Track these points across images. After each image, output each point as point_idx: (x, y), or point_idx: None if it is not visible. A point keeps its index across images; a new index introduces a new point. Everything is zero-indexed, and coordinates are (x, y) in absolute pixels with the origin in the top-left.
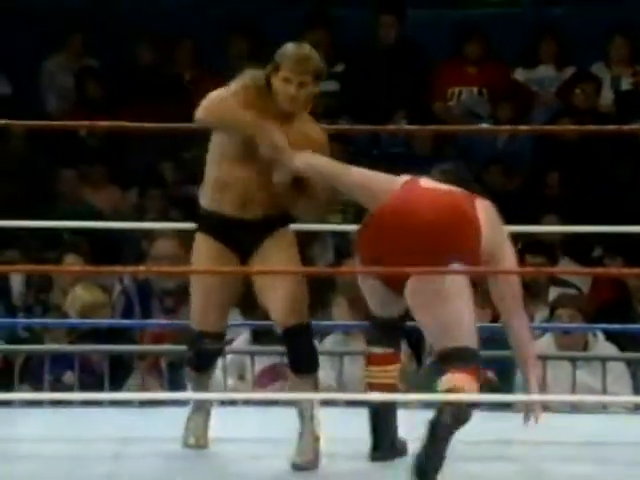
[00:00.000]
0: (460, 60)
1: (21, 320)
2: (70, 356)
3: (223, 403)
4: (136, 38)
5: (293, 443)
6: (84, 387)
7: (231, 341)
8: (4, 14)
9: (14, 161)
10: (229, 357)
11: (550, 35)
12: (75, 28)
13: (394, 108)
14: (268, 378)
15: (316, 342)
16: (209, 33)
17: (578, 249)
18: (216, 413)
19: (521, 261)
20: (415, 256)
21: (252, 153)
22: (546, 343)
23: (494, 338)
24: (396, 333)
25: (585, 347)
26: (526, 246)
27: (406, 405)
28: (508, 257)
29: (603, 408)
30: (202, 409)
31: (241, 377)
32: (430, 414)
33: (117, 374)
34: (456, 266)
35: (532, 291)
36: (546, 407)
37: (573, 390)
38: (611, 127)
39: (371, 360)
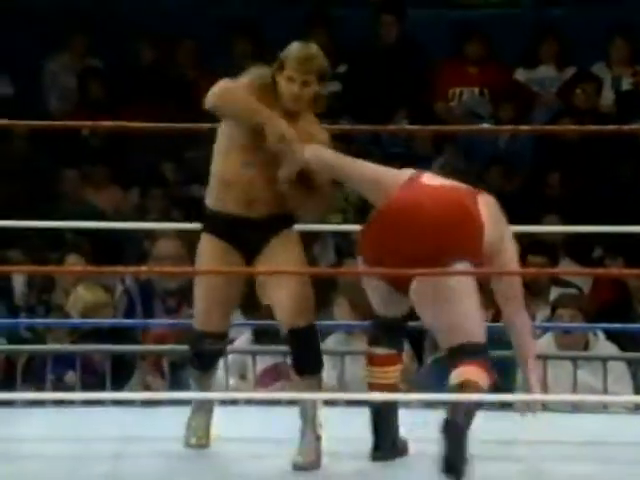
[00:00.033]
0: (461, 60)
1: (23, 320)
2: (72, 356)
3: (224, 403)
4: (138, 38)
5: (295, 443)
6: (86, 387)
7: (232, 341)
8: (6, 14)
9: (16, 161)
10: (230, 357)
11: (551, 35)
12: (77, 28)
13: (395, 108)
14: (270, 378)
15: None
16: (210, 33)
17: (579, 249)
18: (217, 413)
19: (522, 261)
20: (419, 255)
21: (257, 151)
22: (547, 343)
23: (494, 338)
24: (399, 333)
25: (586, 347)
26: (527, 246)
27: (407, 405)
28: (510, 251)
29: (604, 408)
30: (204, 408)
31: (242, 377)
32: (430, 414)
33: (119, 374)
34: (461, 265)
35: (533, 291)
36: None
37: (574, 390)
38: (611, 127)
39: (373, 361)
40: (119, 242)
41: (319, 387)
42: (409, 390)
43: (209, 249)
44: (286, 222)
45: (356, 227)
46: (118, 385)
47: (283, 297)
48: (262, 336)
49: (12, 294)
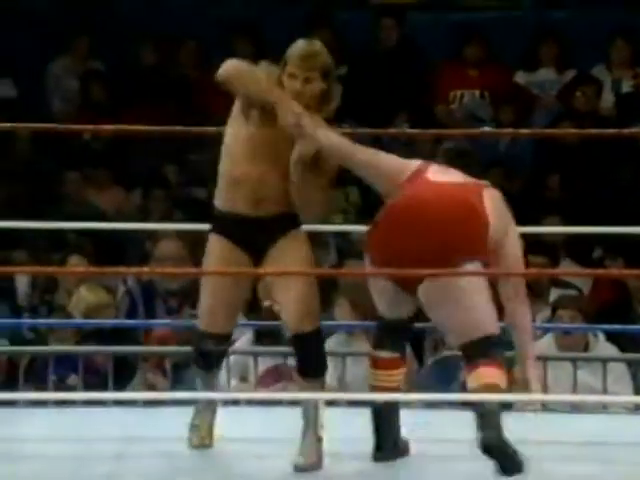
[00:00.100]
0: (461, 63)
1: (25, 321)
2: (74, 357)
3: (226, 403)
4: (139, 40)
5: (296, 443)
6: (88, 387)
7: (234, 342)
8: (9, 17)
9: (20, 163)
10: (232, 358)
11: (551, 38)
12: (79, 31)
13: (396, 111)
14: (271, 378)
15: None
16: (211, 34)
17: (579, 250)
18: (219, 413)
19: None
20: (427, 256)
21: (265, 147)
22: (547, 344)
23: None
24: (403, 336)
25: (586, 348)
26: (528, 246)
27: (408, 405)
28: (514, 245)
29: (604, 408)
30: (208, 409)
31: (243, 379)
32: (432, 414)
33: (121, 375)
34: (472, 265)
35: (534, 292)
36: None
37: (574, 390)
38: (611, 130)
39: (377, 364)
40: (121, 243)
41: (322, 389)
42: (410, 391)
43: (217, 250)
44: (294, 222)
45: (357, 227)
46: (120, 386)
47: (290, 299)
48: (263, 337)
49: (15, 295)
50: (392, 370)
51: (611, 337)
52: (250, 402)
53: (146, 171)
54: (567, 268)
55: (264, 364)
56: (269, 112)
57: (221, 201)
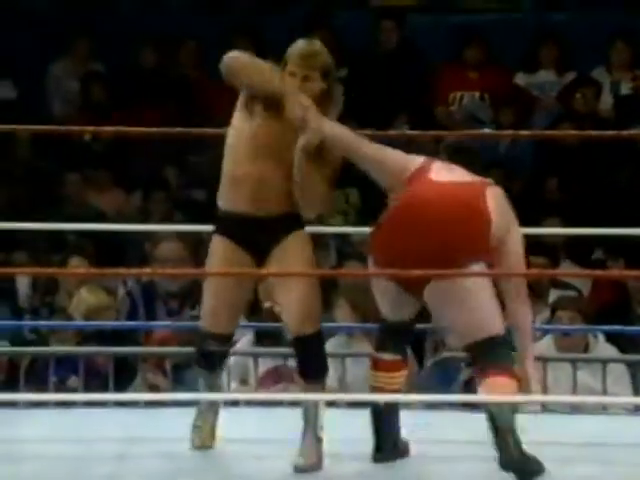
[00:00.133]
0: (461, 65)
1: (26, 322)
2: (75, 358)
3: (226, 404)
4: (139, 41)
5: (296, 444)
6: (89, 389)
7: (235, 343)
8: (9, 19)
9: (20, 165)
10: (232, 360)
11: (551, 40)
12: (80, 32)
13: (395, 113)
14: (271, 380)
15: None
16: (211, 36)
17: (579, 252)
18: (220, 414)
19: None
20: (431, 257)
21: (267, 145)
22: (547, 345)
23: None
24: (405, 338)
25: (586, 349)
26: (528, 247)
27: (408, 406)
28: (515, 243)
29: (603, 409)
30: (210, 410)
31: (243, 381)
32: (432, 415)
33: (122, 376)
34: (477, 266)
35: (535, 292)
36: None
37: (574, 391)
38: (610, 132)
39: (379, 366)
40: (121, 244)
41: (322, 391)
42: (410, 392)
43: (220, 250)
44: (297, 223)
45: (357, 229)
46: (121, 387)
47: (291, 300)
48: (264, 338)
49: (16, 296)
50: (394, 372)
51: (611, 338)
52: (250, 403)
53: (146, 173)
54: (567, 269)
55: (264, 365)
56: (272, 105)
57: (223, 201)
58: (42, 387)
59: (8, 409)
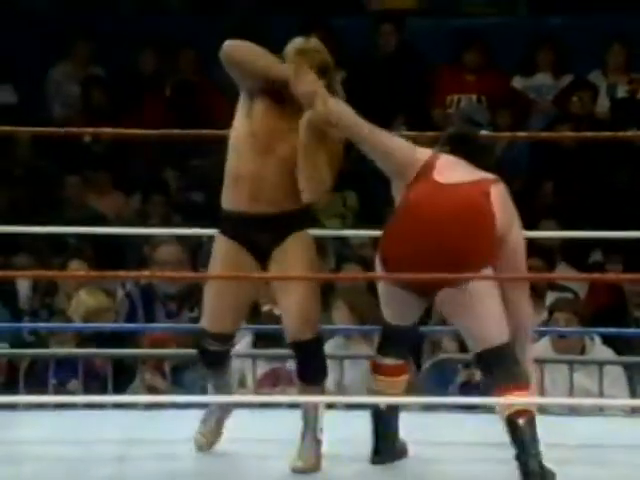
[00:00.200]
0: (459, 68)
1: (25, 324)
2: (74, 360)
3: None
4: (139, 44)
5: (296, 445)
6: (88, 391)
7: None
8: (9, 23)
9: (20, 167)
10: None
11: (548, 44)
12: (80, 37)
13: (394, 115)
14: (269, 382)
15: None
16: (212, 37)
17: (576, 254)
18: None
19: None
20: (440, 263)
21: (268, 140)
22: (543, 347)
23: None
24: (407, 343)
25: (582, 351)
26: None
27: (406, 408)
28: (517, 238)
29: (600, 411)
30: (218, 410)
31: (242, 384)
32: (429, 417)
33: (121, 378)
34: (487, 271)
35: (536, 293)
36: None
37: (570, 393)
38: (607, 133)
39: (380, 370)
40: (120, 247)
41: (322, 394)
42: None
43: (222, 251)
44: (298, 223)
45: (355, 232)
46: (120, 389)
47: (291, 303)
48: (262, 341)
49: (17, 298)
50: (395, 377)
51: (607, 340)
52: (249, 405)
53: (146, 175)
54: (563, 272)
55: (262, 368)
56: (274, 93)
57: (225, 200)
58: (41, 389)
59: (8, 411)
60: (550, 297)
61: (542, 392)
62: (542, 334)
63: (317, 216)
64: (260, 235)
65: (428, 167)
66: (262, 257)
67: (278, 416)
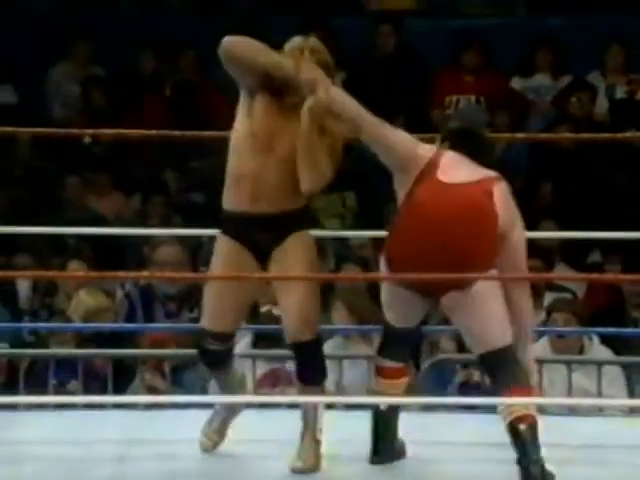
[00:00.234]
0: (458, 69)
1: (25, 325)
2: (74, 360)
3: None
4: (139, 44)
5: (295, 445)
6: (88, 391)
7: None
8: (9, 23)
9: (20, 168)
10: None
11: (546, 44)
12: (80, 37)
13: (393, 116)
14: (269, 382)
15: None
16: (212, 37)
17: (574, 255)
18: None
19: None
20: (445, 265)
21: (265, 143)
22: (542, 347)
23: None
24: (408, 346)
25: (581, 351)
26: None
27: (405, 408)
28: (519, 235)
29: (599, 411)
30: (223, 411)
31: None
32: (428, 417)
33: (121, 378)
34: (492, 273)
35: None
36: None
37: (569, 393)
38: (605, 135)
39: (381, 373)
40: (120, 247)
41: (322, 394)
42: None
43: (224, 250)
44: (299, 223)
45: (354, 232)
46: (120, 389)
47: (290, 304)
48: (262, 341)
49: (17, 298)
50: (395, 380)
51: (605, 340)
52: (249, 405)
53: (146, 176)
54: (562, 272)
55: (262, 368)
56: (275, 90)
57: (227, 201)
58: (41, 389)
59: (8, 411)
60: (548, 297)
61: (541, 392)
62: (540, 334)
63: (317, 216)
64: (260, 235)
65: (432, 165)
66: (263, 257)
67: (278, 416)
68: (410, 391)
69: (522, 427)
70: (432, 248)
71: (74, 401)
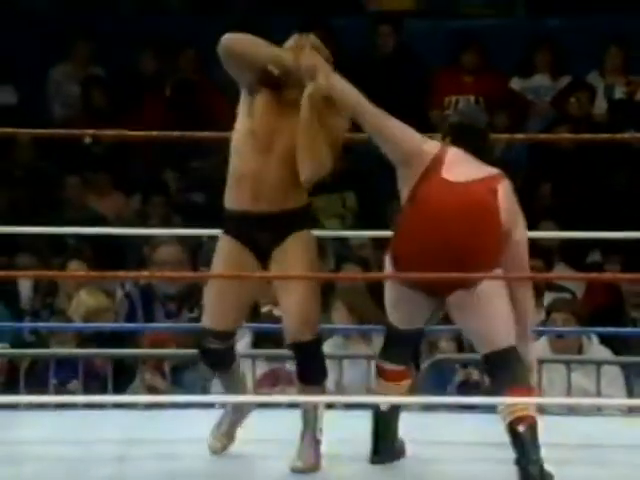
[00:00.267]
0: (457, 69)
1: (25, 324)
2: (75, 360)
3: (225, 406)
4: (139, 43)
5: (295, 445)
6: (88, 391)
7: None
8: (9, 23)
9: (20, 168)
10: None
11: (546, 45)
12: (80, 37)
13: (392, 115)
14: (269, 382)
15: None
16: (212, 37)
17: (573, 254)
18: (218, 415)
19: None
20: (452, 264)
21: (264, 142)
22: (541, 347)
23: None
24: (411, 348)
25: (580, 351)
26: None
27: (404, 407)
28: (521, 236)
29: (598, 410)
30: (232, 413)
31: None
32: (428, 417)
33: (121, 378)
34: (498, 272)
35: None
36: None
37: (568, 393)
38: (604, 135)
39: (384, 375)
40: (120, 247)
41: (322, 394)
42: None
43: (225, 250)
44: (299, 222)
45: (354, 232)
46: (120, 389)
47: (290, 304)
48: (262, 341)
49: (18, 298)
50: (397, 382)
51: (605, 340)
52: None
53: (146, 176)
54: (561, 272)
55: (262, 368)
56: (275, 84)
57: (229, 200)
58: (42, 389)
59: (8, 411)
60: (548, 297)
61: (540, 392)
62: (540, 334)
63: (317, 216)
64: (261, 234)
65: (437, 162)
66: (263, 257)
67: (278, 416)
68: (410, 391)
69: (521, 428)
70: (438, 247)
71: (74, 401)
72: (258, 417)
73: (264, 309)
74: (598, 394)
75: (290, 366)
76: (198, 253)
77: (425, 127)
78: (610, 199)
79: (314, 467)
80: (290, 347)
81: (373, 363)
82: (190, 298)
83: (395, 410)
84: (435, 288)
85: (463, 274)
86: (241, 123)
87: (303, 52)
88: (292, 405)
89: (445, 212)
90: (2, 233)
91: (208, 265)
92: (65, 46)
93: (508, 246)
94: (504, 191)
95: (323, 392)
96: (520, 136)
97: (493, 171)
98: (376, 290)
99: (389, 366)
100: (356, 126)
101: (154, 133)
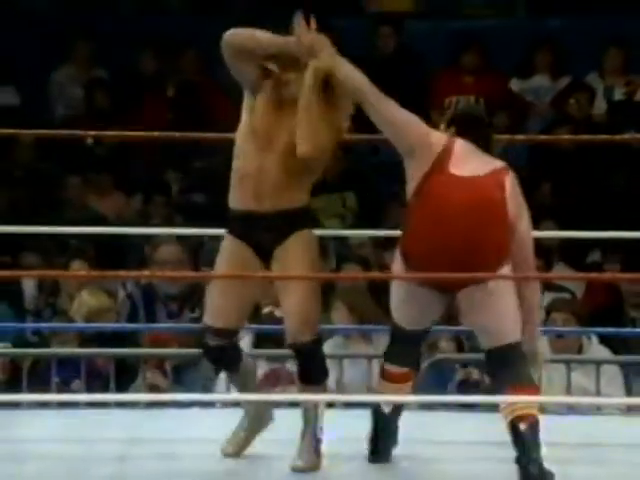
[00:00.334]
0: (457, 70)
1: (27, 325)
2: (77, 360)
3: (226, 404)
4: (140, 44)
5: (296, 444)
6: (90, 390)
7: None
8: (10, 23)
9: (22, 168)
10: None
11: (545, 46)
12: (80, 34)
13: None
14: (269, 383)
15: None
16: (212, 37)
17: (573, 254)
18: (220, 415)
19: None
20: (461, 261)
21: (266, 141)
22: (541, 347)
23: None
24: (418, 349)
25: (579, 350)
26: None
27: (405, 407)
28: (526, 229)
29: (597, 410)
30: (251, 423)
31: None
32: (427, 416)
33: (123, 377)
34: (507, 268)
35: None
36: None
37: (568, 392)
38: (604, 136)
39: (387, 376)
40: (121, 247)
41: (323, 394)
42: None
43: (228, 249)
44: (300, 221)
45: (354, 232)
46: (122, 388)
47: (291, 304)
48: (263, 341)
49: (22, 297)
50: (400, 384)
51: (604, 340)
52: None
53: (147, 176)
54: (561, 272)
55: (262, 368)
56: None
57: (232, 200)
58: (44, 388)
59: (11, 410)
60: (547, 297)
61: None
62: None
63: (317, 216)
64: (263, 234)
65: (445, 155)
66: (266, 256)
67: (278, 416)
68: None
69: (522, 426)
70: (449, 243)
71: (76, 400)
72: None
73: (265, 310)
74: (597, 393)
75: (291, 366)
76: (199, 253)
77: None
78: (609, 199)
79: (314, 466)
80: (290, 347)
81: (373, 363)
82: (192, 298)
83: (397, 411)
84: (446, 284)
85: (463, 274)
86: (244, 123)
87: (306, 31)
88: (293, 404)
89: (454, 208)
90: (4, 233)
91: (209, 265)
92: (65, 46)
93: (514, 240)
94: (511, 184)
95: (324, 392)
96: (520, 137)
97: (499, 164)
98: (376, 290)
99: (394, 368)
100: (356, 126)
101: (156, 134)
